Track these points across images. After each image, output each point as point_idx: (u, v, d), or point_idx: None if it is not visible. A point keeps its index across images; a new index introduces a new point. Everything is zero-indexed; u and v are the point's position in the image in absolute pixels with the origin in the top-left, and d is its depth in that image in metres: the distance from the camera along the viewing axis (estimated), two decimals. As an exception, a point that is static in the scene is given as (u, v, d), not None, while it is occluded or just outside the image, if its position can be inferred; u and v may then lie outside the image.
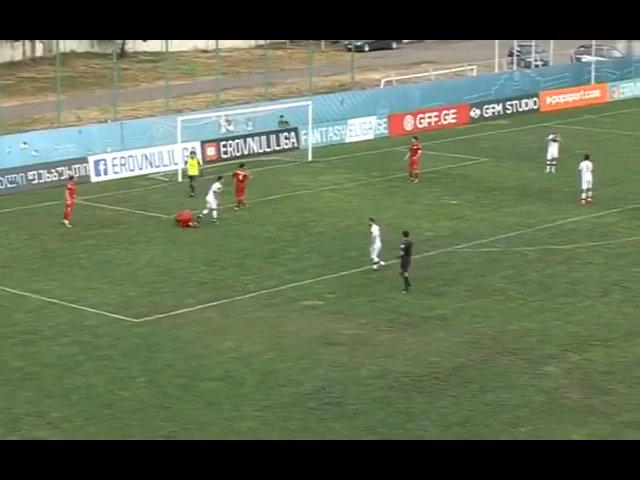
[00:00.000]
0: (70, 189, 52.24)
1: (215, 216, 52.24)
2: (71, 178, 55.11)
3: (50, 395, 35.12)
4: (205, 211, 52.07)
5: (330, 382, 36.06)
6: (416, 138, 63.53)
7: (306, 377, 36.45)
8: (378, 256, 46.13)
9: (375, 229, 46.31)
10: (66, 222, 51.56)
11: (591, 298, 43.67)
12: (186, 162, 55.53)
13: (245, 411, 34.10)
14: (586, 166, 57.27)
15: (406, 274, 44.52)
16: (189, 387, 35.78)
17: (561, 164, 59.10)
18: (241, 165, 55.65)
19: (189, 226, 50.99)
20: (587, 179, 57.05)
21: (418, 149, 60.65)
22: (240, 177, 54.22)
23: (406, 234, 45.57)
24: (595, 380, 36.41)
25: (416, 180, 60.15)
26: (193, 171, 54.26)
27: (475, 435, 32.65)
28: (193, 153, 56.02)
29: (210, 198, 51.61)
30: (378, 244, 46.07)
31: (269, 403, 34.59)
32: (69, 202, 51.93)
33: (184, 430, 32.81)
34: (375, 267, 46.18)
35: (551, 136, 61.88)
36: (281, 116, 65.68)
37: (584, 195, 56.90)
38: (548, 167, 61.06)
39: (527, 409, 34.35)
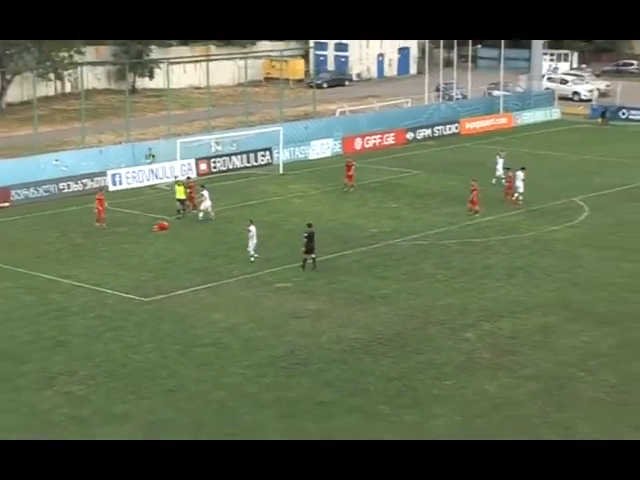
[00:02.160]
0: (99, 199, 52.12)
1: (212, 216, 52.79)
2: (101, 189, 54.79)
3: (78, 358, 35.21)
4: (201, 214, 52.26)
5: (297, 347, 36.21)
6: (351, 157, 63.89)
7: (279, 343, 36.60)
8: (255, 250, 46.11)
9: (253, 229, 46.19)
10: (97, 224, 51.42)
11: (500, 280, 43.91)
12: (177, 184, 54.26)
13: (231, 370, 34.25)
14: (520, 175, 57.40)
15: (305, 257, 44.99)
16: (186, 352, 35.91)
17: (477, 175, 58.96)
18: (202, 186, 55.08)
19: (166, 229, 51.24)
20: (518, 185, 57.09)
21: (352, 165, 60.57)
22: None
23: (310, 225, 45.96)
24: (503, 343, 36.67)
25: (351, 189, 59.85)
26: (180, 195, 53.42)
27: (410, 386, 32.81)
28: (179, 180, 54.97)
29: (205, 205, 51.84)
30: (254, 241, 46.02)
31: (250, 363, 34.73)
32: (100, 208, 51.80)
33: (182, 385, 32.97)
34: (252, 260, 45.96)
35: (499, 155, 61.59)
36: (149, 149, 63.92)
37: (516, 195, 57.06)
38: (496, 181, 60.47)
39: (451, 366, 34.54)
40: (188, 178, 57.45)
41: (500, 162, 60.57)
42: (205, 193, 52.82)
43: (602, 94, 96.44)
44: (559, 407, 31.52)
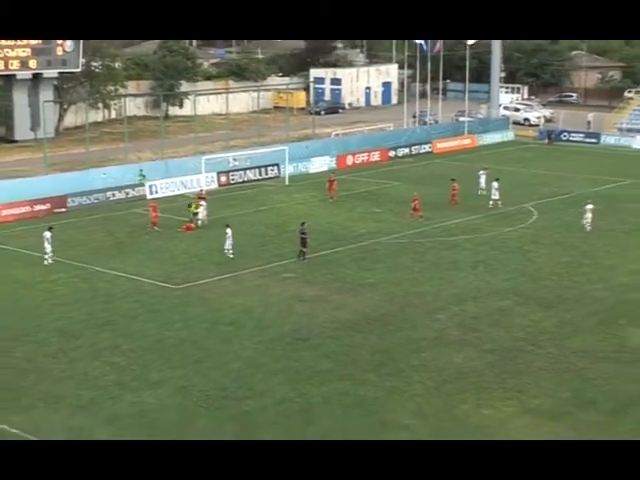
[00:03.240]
0: (152, 206, 52.10)
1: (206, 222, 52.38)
2: (154, 199, 54.69)
3: (121, 335, 35.28)
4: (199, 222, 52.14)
5: (300, 325, 36.26)
6: (333, 172, 63.71)
7: (285, 322, 36.63)
8: (231, 249, 45.66)
9: (229, 231, 45.78)
10: (155, 228, 51.18)
11: (465, 271, 43.91)
12: (189, 205, 53.04)
13: (246, 344, 34.30)
14: (495, 185, 57.37)
15: (301, 248, 45.18)
16: (210, 329, 35.97)
17: (446, 186, 58.96)
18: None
19: (192, 230, 50.90)
20: (494, 192, 57.17)
21: (334, 180, 60.14)
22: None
23: (303, 224, 46.19)
24: (467, 323, 36.68)
25: (332, 200, 59.21)
26: (194, 209, 52.61)
27: (392, 358, 32.85)
28: (191, 202, 54.07)
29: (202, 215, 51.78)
30: (231, 241, 45.59)
31: (262, 339, 34.77)
32: (154, 214, 51.63)
33: (207, 356, 33.02)
34: (231, 256, 45.50)
35: (482, 171, 61.45)
36: (141, 170, 62.80)
37: (491, 202, 57.05)
38: (481, 192, 59.84)
39: (425, 341, 34.58)
40: (200, 192, 57.26)
41: (483, 177, 60.39)
42: (203, 203, 52.75)
43: (547, 120, 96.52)
44: (513, 374, 31.56)
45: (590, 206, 51.67)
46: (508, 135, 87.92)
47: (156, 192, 60.76)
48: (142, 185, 60.84)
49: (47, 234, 45.19)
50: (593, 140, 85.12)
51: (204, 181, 61.98)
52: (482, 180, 60.10)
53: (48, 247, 44.98)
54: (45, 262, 44.68)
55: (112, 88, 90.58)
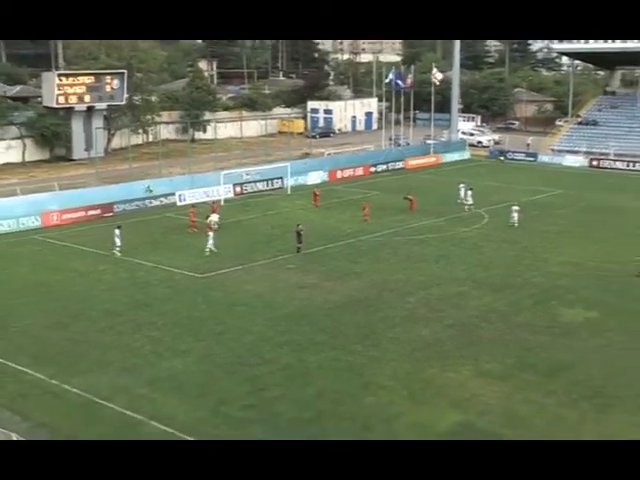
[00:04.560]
0: (192, 212, 51.70)
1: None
2: (193, 206, 54.13)
3: (156, 314, 35.24)
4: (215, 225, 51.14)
5: (301, 307, 36.20)
6: (317, 187, 62.91)
7: (289, 304, 36.57)
8: (211, 247, 45.15)
9: (211, 233, 45.53)
10: (194, 229, 50.25)
11: (430, 263, 43.87)
12: (207, 217, 50.67)
13: (257, 321, 34.23)
14: (469, 193, 57.59)
15: (298, 245, 45.18)
16: (228, 309, 35.89)
17: (420, 196, 58.90)
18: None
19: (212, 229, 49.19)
20: (469, 199, 57.48)
21: (317, 194, 59.62)
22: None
23: (298, 225, 46.28)
24: (433, 304, 36.64)
25: (316, 208, 58.48)
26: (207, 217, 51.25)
27: (373, 332, 32.82)
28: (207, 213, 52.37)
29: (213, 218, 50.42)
30: (212, 241, 45.22)
31: (270, 317, 34.72)
32: (193, 219, 51.08)
33: (226, 330, 32.99)
34: (216, 250, 45.01)
35: (462, 185, 60.88)
36: (148, 185, 61.16)
37: (467, 207, 57.32)
38: (460, 201, 59.20)
39: (399, 318, 34.56)
40: (213, 202, 56.61)
41: (462, 189, 59.88)
42: (215, 214, 51.58)
43: (496, 142, 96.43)
44: (469, 345, 31.58)
45: (516, 207, 53.14)
46: (465, 154, 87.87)
47: (184, 200, 60.49)
48: (172, 195, 60.63)
49: (117, 231, 45.29)
50: (532, 159, 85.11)
51: (223, 191, 61.74)
52: (461, 192, 59.80)
53: (118, 242, 45.10)
54: (115, 254, 44.76)
55: (149, 117, 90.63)
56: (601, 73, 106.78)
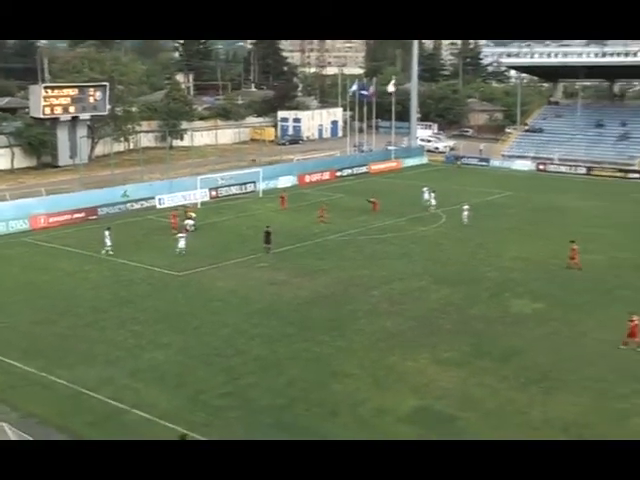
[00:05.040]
0: (173, 215, 51.27)
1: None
2: (175, 210, 53.52)
3: (138, 310, 35.03)
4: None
5: (273, 302, 36.15)
6: (284, 191, 62.91)
7: (260, 299, 36.51)
8: (183, 250, 44.64)
9: (107, 232, 44.95)
10: (175, 231, 48.99)
11: (393, 260, 43.98)
12: (183, 220, 50.73)
13: (232, 315, 34.15)
14: (432, 195, 57.87)
15: (266, 246, 44.77)
16: (205, 305, 35.77)
17: (382, 198, 58.98)
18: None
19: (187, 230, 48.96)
20: (432, 200, 57.75)
21: (284, 196, 59.73)
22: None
23: (267, 226, 46.08)
24: (395, 298, 36.77)
25: (284, 211, 58.11)
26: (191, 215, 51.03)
27: (340, 324, 32.84)
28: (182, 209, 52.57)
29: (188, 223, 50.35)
30: (183, 242, 44.79)
31: (244, 312, 34.63)
32: (174, 222, 50.51)
33: (202, 325, 32.87)
34: (184, 253, 44.38)
35: (425, 188, 60.78)
36: (125, 190, 59.88)
37: (431, 207, 57.45)
38: (424, 203, 59.14)
39: (364, 311, 34.65)
40: (186, 208, 55.78)
41: (426, 192, 59.81)
42: (192, 215, 51.53)
43: (452, 148, 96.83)
44: (428, 335, 31.75)
45: (466, 206, 53.93)
46: (423, 159, 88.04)
47: (163, 203, 60.16)
48: (152, 199, 60.22)
49: (107, 233, 45.04)
50: (484, 163, 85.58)
51: (199, 195, 61.44)
52: (425, 194, 59.74)
53: (108, 242, 44.81)
54: (104, 253, 44.45)
55: (130, 126, 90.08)
56: (545, 85, 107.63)
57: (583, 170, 78.69)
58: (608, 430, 23.53)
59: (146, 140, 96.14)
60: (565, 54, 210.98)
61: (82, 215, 55.20)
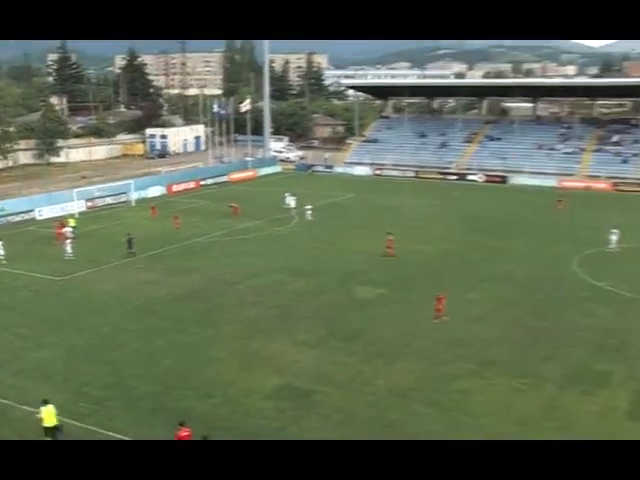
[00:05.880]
0: (57, 225, 48.32)
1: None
2: (59, 221, 50.14)
3: (22, 314, 33.26)
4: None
5: (148, 299, 35.18)
6: (153, 201, 61.64)
7: (137, 298, 35.50)
8: (71, 252, 43.30)
9: (69, 244, 43.82)
10: (58, 241, 46.35)
11: (253, 257, 43.72)
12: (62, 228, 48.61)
13: (111, 314, 33.07)
14: (292, 199, 58.07)
15: (130, 251, 43.64)
16: (84, 306, 34.44)
17: (242, 203, 58.69)
18: (59, 221, 51.02)
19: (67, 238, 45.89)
20: (292, 203, 57.69)
21: (155, 207, 58.30)
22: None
23: (128, 233, 45.01)
24: (257, 290, 36.59)
25: (154, 218, 56.63)
26: (74, 224, 48.24)
27: (210, 317, 32.37)
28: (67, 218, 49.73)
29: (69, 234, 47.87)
30: (69, 247, 43.47)
31: (122, 310, 33.58)
32: (58, 232, 47.36)
33: (84, 325, 31.61)
34: (74, 258, 42.74)
35: (286, 193, 60.44)
36: (1, 207, 56.29)
37: (292, 211, 57.07)
38: (286, 207, 58.61)
39: (230, 304, 34.39)
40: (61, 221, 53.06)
41: (288, 198, 59.27)
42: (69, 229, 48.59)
43: (301, 158, 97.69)
44: (287, 321, 31.93)
45: (309, 206, 55.26)
46: (277, 168, 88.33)
47: (42, 215, 57.37)
48: (32, 211, 57.33)
49: None
50: (329, 170, 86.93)
51: (76, 206, 59.01)
52: (287, 200, 59.45)
53: (1, 252, 42.77)
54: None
55: (8, 145, 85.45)
56: (378, 102, 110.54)
57: (411, 173, 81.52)
58: (438, 391, 24.53)
59: (24, 157, 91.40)
60: (393, 76, 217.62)
61: (-36, 228, 51.84)
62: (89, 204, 61.98)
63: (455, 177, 79.41)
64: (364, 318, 32.33)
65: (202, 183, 75.32)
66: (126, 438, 21.00)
